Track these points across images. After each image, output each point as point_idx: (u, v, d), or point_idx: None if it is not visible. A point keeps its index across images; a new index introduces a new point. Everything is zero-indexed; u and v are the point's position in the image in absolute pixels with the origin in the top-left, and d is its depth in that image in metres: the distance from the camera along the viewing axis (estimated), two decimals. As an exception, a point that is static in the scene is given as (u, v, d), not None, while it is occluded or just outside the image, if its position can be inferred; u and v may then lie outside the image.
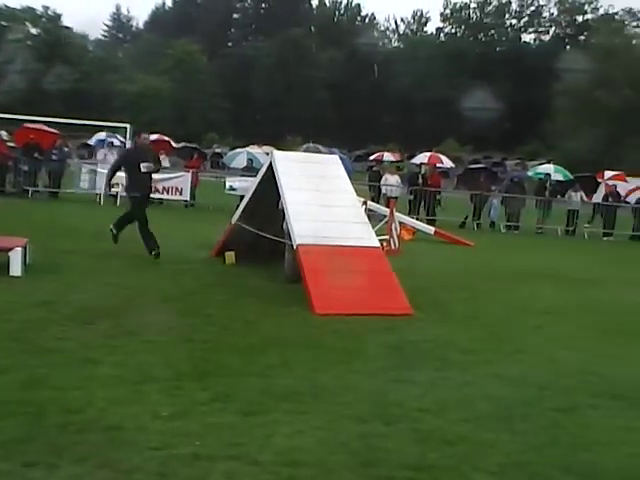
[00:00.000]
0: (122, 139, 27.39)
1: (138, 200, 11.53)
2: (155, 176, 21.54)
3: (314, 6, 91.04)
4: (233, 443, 4.54)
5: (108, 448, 4.33)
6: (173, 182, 21.51)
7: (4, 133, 23.21)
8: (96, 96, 65.09)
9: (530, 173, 30.07)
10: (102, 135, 27.59)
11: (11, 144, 22.39)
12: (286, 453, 4.46)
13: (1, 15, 71.31)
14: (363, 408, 5.33)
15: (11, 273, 9.19)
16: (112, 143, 25.00)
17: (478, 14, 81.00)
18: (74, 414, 4.83)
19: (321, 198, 9.71)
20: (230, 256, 11.10)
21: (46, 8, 75.03)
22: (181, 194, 21.56)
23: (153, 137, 26.97)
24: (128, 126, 24.03)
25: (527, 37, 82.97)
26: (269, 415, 5.06)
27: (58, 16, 75.43)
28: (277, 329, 7.55)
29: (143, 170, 11.36)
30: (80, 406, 4.97)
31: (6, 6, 72.26)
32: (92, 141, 27.32)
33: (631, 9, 67.42)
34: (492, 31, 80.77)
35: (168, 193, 21.52)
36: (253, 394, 5.47)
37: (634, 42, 60.38)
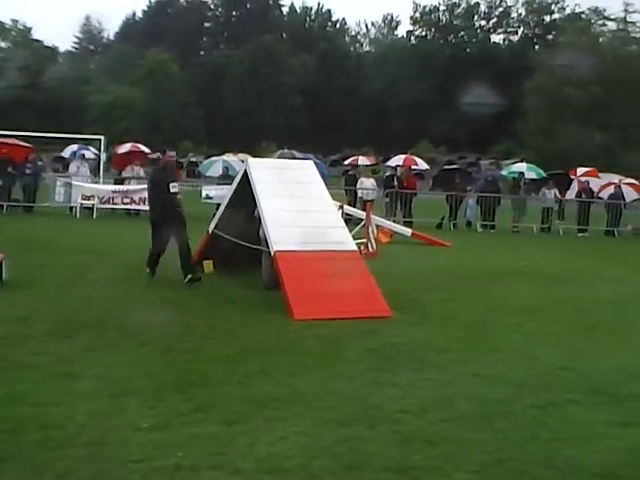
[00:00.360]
0: (95, 151, 27.20)
1: (176, 225, 10.15)
2: (130, 187, 21.67)
3: (285, 13, 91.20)
4: (215, 453, 4.54)
5: (89, 463, 4.32)
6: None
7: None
8: (68, 108, 64.56)
9: (504, 172, 30.33)
10: (75, 147, 27.37)
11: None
12: (269, 460, 4.47)
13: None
14: (344, 412, 5.36)
15: (-14, 289, 9.11)
16: (84, 155, 24.78)
17: (447, 16, 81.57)
18: (54, 430, 4.80)
19: (297, 204, 9.73)
20: (208, 265, 11.08)
21: (15, 22, 74.62)
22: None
23: (127, 147, 26.98)
24: (102, 138, 23.93)
25: (496, 38, 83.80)
26: (251, 423, 5.07)
27: (28, 29, 74.99)
28: (257, 336, 7.55)
29: (172, 191, 10.18)
30: (60, 421, 4.94)
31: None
32: (65, 154, 27.08)
33: (597, 8, 68.22)
34: (462, 33, 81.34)
35: (144, 203, 21.34)
36: (235, 403, 5.47)
37: (600, 40, 61.11)
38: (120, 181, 22.70)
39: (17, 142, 23.63)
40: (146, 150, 27.07)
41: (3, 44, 73.57)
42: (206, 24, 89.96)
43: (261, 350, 6.99)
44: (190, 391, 5.69)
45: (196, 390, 5.73)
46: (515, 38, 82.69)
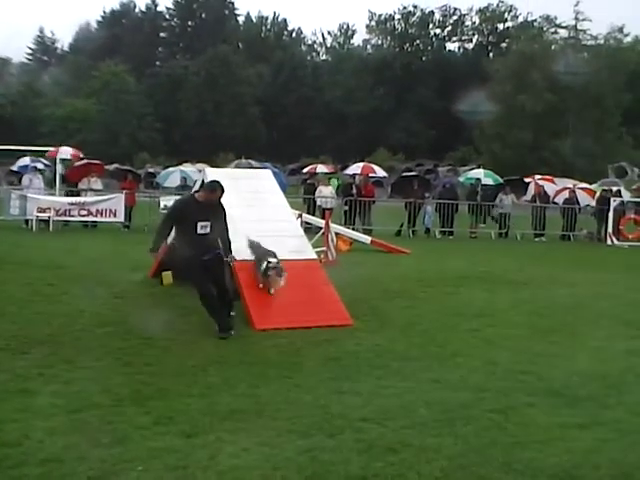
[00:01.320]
0: (47, 162, 26.75)
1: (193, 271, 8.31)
2: (88, 199, 21.40)
3: (241, 22, 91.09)
4: (177, 466, 4.51)
5: (47, 480, 4.24)
6: (106, 204, 21.13)
7: None
8: (22, 121, 63.59)
9: (461, 179, 30.69)
10: (26, 160, 26.93)
11: None
12: (231, 472, 4.45)
13: None
14: (306, 422, 5.35)
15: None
16: (36, 167, 24.34)
17: (403, 25, 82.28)
18: (10, 447, 4.72)
19: (255, 213, 9.71)
20: (167, 276, 10.97)
21: (-35, 33, 73.23)
22: (115, 216, 21.17)
23: (82, 162, 26.64)
24: (59, 149, 23.55)
25: (451, 46, 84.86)
26: (212, 435, 5.04)
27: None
28: (217, 347, 7.51)
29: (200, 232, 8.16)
30: (16, 439, 4.85)
31: None
32: (16, 167, 26.63)
33: (549, 16, 69.63)
34: (417, 41, 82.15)
35: (102, 215, 21.11)
36: (195, 415, 5.43)
37: (552, 47, 62.32)
38: (76, 193, 22.36)
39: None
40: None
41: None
42: (161, 34, 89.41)
43: (222, 361, 6.95)
44: (149, 404, 5.64)
45: (156, 403, 5.68)
46: (470, 46, 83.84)
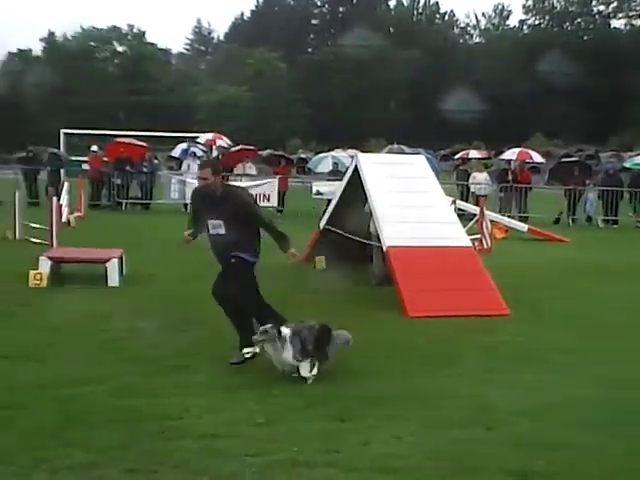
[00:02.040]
0: (204, 149, 27.83)
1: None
2: (242, 184, 22.03)
3: (392, 7, 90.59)
4: (329, 449, 4.49)
5: (205, 455, 4.36)
6: (260, 189, 21.71)
7: (95, 147, 24.00)
8: (179, 108, 66.61)
9: (627, 164, 28.84)
10: (184, 145, 28.19)
11: (104, 159, 23.13)
12: (383, 459, 4.37)
13: (90, 36, 74.12)
14: (460, 413, 5.19)
15: (109, 283, 9.47)
16: (195, 153, 25.35)
17: (562, 3, 78.67)
18: (172, 420, 4.90)
19: (409, 199, 9.56)
20: (320, 261, 11.09)
21: (131, 26, 77.48)
22: (269, 200, 21.71)
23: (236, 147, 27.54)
24: (210, 135, 24.43)
25: (616, 23, 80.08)
26: (364, 421, 4.99)
27: (142, 33, 77.69)
28: (368, 333, 7.44)
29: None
30: (177, 413, 5.03)
31: (94, 27, 75.20)
32: (176, 153, 27.92)
33: None
34: (578, 19, 78.30)
35: (256, 200, 21.73)
36: (347, 400, 5.40)
37: None
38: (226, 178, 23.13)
39: (134, 142, 24.55)
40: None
41: (120, 48, 76.59)
42: (313, 21, 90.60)
43: (373, 347, 6.89)
44: (300, 387, 5.69)
45: (308, 386, 5.73)
46: (638, 22, 78.73)
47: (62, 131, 27.69)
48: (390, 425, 4.91)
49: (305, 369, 5.81)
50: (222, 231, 6.38)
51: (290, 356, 5.80)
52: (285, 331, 5.87)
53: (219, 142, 28.74)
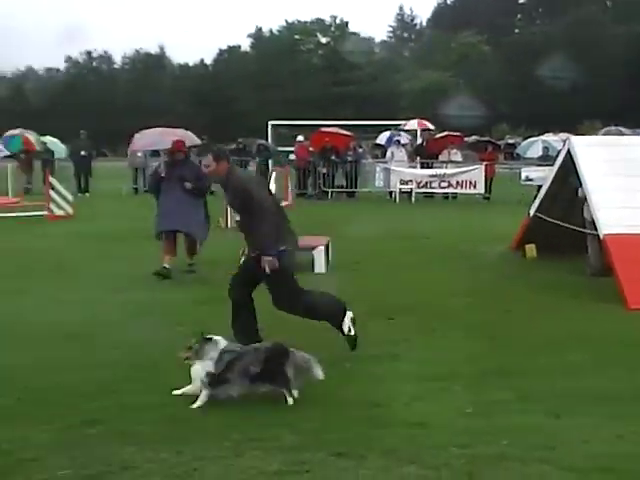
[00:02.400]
0: (408, 137, 27.79)
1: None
2: (448, 170, 21.72)
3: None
4: (542, 445, 4.28)
5: (413, 443, 4.32)
6: (466, 176, 21.39)
7: (301, 137, 24.78)
8: (382, 97, 67.09)
9: None
10: (387, 134, 28.31)
11: (310, 148, 23.83)
12: (602, 458, 4.09)
13: (294, 29, 76.95)
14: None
15: (315, 270, 9.75)
16: (399, 141, 25.36)
17: None
18: (380, 408, 4.91)
19: (629, 183, 8.88)
20: (531, 249, 10.68)
21: (334, 17, 79.14)
22: (475, 187, 21.33)
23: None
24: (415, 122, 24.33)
25: None
26: (581, 417, 4.70)
27: (345, 23, 79.14)
28: (584, 324, 7.05)
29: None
30: (385, 400, 5.04)
31: (298, 20, 77.98)
32: (381, 140, 28.12)
33: None
34: None
35: (462, 187, 21.44)
36: (562, 395, 5.13)
37: None
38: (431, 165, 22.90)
39: (339, 131, 25.07)
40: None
41: (323, 40, 78.52)
42: (521, 0, 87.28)
43: (590, 339, 6.50)
44: (512, 379, 5.48)
45: (518, 378, 5.51)
46: None
47: (270, 123, 28.86)
48: (612, 423, 4.58)
49: (202, 397, 4.90)
50: (237, 218, 6.02)
51: (202, 370, 4.91)
52: (219, 341, 5.03)
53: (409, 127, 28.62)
